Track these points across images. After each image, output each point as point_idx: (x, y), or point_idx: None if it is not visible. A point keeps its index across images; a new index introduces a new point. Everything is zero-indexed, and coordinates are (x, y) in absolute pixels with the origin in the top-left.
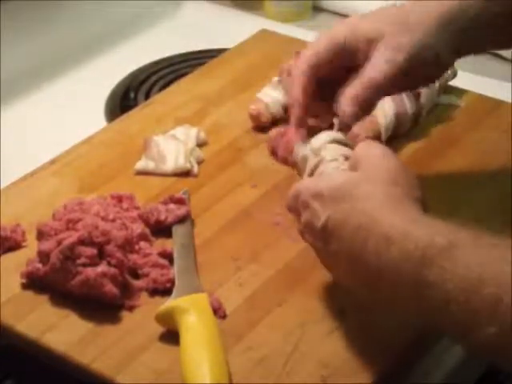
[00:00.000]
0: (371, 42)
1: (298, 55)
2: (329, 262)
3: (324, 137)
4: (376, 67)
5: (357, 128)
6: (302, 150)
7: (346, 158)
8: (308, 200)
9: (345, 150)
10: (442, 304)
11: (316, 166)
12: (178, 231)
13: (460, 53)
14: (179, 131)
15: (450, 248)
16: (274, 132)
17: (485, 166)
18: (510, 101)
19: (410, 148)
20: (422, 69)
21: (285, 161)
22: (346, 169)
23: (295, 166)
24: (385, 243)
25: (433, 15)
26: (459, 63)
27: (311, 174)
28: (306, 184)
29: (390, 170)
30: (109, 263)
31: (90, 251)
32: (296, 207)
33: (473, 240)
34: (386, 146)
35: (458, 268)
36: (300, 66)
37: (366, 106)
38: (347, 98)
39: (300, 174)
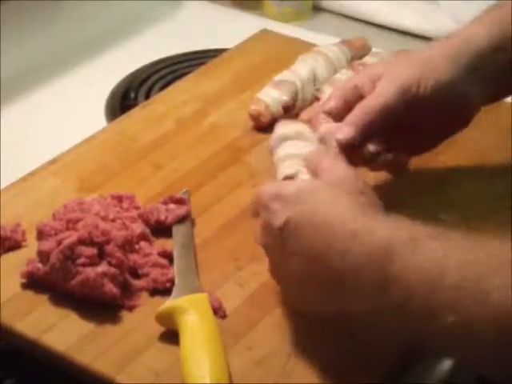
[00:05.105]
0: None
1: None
2: (283, 266)
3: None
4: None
5: None
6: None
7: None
8: (268, 202)
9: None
10: (404, 300)
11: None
12: (178, 231)
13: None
14: None
15: (412, 241)
16: None
17: (484, 166)
18: (509, 101)
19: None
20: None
21: None
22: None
23: None
24: (351, 240)
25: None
26: None
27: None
28: (267, 187)
29: (355, 181)
30: (109, 263)
31: (90, 251)
32: (257, 211)
33: (434, 234)
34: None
35: (420, 261)
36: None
37: (364, 131)
38: (347, 122)
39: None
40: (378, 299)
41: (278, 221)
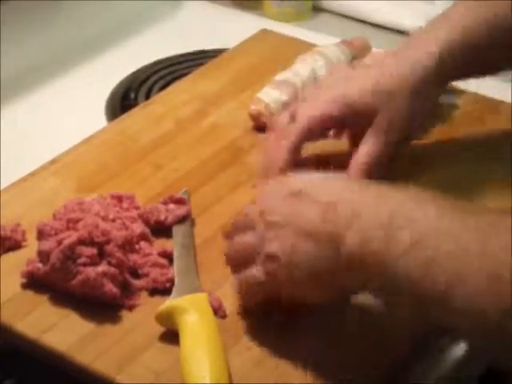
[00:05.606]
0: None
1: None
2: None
3: None
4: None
5: None
6: None
7: None
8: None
9: None
10: (406, 249)
11: None
12: (178, 231)
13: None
14: None
15: (419, 205)
16: None
17: (484, 166)
18: (509, 101)
19: (410, 148)
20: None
21: None
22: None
23: None
24: (358, 200)
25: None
26: None
27: None
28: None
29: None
30: (109, 263)
31: (90, 251)
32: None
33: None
34: None
35: (424, 221)
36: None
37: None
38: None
39: None
40: (384, 244)
41: (294, 189)
